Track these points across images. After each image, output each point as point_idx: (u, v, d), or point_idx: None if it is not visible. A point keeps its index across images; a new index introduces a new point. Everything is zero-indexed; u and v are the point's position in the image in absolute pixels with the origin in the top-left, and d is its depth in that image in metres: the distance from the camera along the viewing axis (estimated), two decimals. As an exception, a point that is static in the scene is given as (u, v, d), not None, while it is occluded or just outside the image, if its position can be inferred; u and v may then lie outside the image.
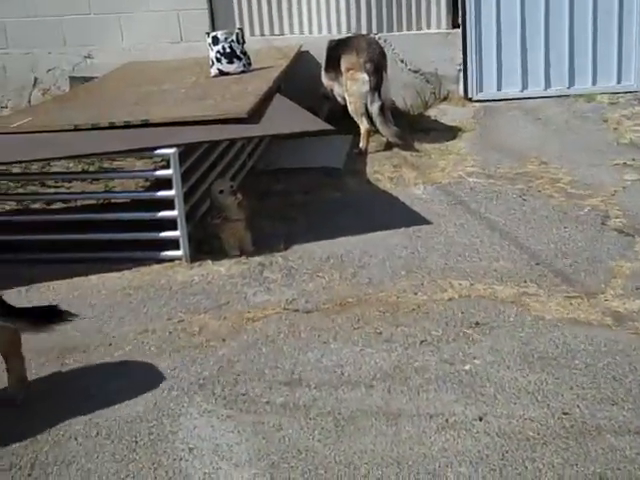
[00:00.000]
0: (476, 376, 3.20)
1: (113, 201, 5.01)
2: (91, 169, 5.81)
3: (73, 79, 6.82)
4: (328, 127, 4.47)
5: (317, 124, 4.49)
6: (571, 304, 3.74)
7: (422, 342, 3.48)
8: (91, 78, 6.72)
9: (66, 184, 5.54)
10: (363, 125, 6.12)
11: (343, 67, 6.23)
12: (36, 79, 7.31)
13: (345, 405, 3.06)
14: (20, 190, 5.51)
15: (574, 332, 3.48)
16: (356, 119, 6.16)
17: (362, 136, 6.11)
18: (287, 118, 4.72)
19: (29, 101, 7.30)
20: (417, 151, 6.02)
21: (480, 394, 3.08)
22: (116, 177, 5.50)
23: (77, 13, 7.13)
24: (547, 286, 3.91)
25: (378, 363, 3.33)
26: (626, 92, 6.90)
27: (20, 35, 7.22)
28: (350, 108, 6.19)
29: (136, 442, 2.87)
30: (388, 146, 6.14)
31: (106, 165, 5.79)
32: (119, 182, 5.52)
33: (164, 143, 4.23)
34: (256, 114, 4.64)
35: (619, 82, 6.95)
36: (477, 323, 3.61)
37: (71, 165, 5.71)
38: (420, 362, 3.33)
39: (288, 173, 5.69)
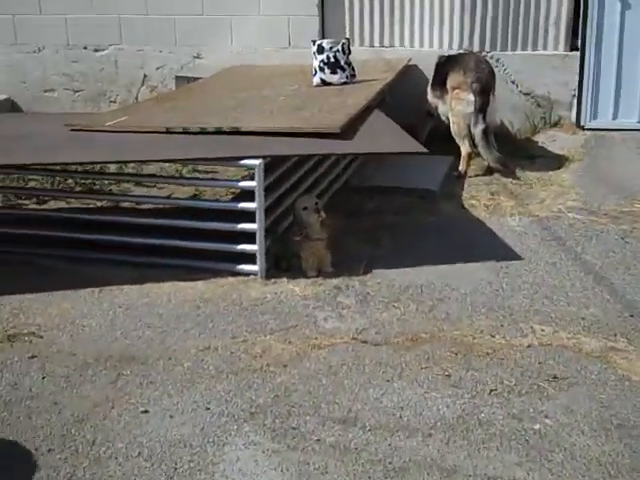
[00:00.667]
0: (545, 438, 2.96)
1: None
2: (185, 172, 5.81)
3: (179, 78, 6.86)
4: (422, 150, 4.28)
5: (411, 146, 4.30)
6: (663, 366, 3.44)
7: (492, 391, 3.26)
8: (197, 78, 6.76)
9: (158, 185, 5.54)
10: (464, 147, 5.90)
11: (449, 85, 6.02)
12: (145, 76, 7.40)
13: (398, 453, 2.87)
14: (113, 188, 5.56)
15: (662, 399, 3.19)
16: (458, 141, 5.94)
17: (462, 159, 5.89)
18: (381, 137, 4.56)
19: (137, 98, 7.40)
20: (518, 179, 5.75)
21: (547, 459, 2.84)
22: (201, 185, 5.45)
23: (189, 13, 7.18)
24: (639, 343, 3.61)
25: (441, 410, 3.14)
26: None
27: (133, 31, 7.32)
28: (453, 128, 5.98)
29: (175, 469, 2.78)
30: (489, 171, 5.89)
31: (201, 169, 5.77)
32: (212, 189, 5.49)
33: (250, 154, 4.13)
34: (350, 130, 4.50)
35: None
36: (555, 377, 3.36)
37: (166, 166, 5.71)
38: (486, 414, 3.11)
39: (382, 192, 5.52)
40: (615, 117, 6.63)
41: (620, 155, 6.16)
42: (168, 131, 4.52)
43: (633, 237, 4.76)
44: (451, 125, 6.00)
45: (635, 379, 3.33)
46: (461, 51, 6.57)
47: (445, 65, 6.17)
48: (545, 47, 6.82)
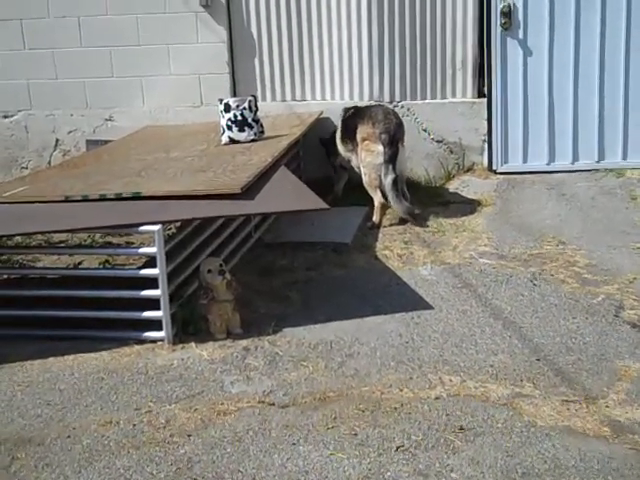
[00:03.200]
0: (450, 493, 2.93)
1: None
2: (97, 239, 5.71)
3: (90, 142, 6.78)
4: (324, 206, 4.28)
5: (313, 203, 4.30)
6: (568, 409, 3.44)
7: (398, 448, 3.21)
8: (108, 141, 6.69)
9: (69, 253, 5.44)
10: (377, 198, 5.94)
11: (359, 137, 6.07)
12: (57, 140, 7.31)
13: (300, 521, 2.81)
14: (21, 258, 5.43)
15: (566, 444, 3.18)
16: (370, 192, 5.98)
17: (375, 210, 5.92)
18: (284, 194, 4.55)
19: (49, 162, 7.29)
20: (427, 227, 5.80)
21: (450, 516, 2.81)
22: (102, 254, 5.36)
23: (99, 76, 7.14)
24: (544, 387, 3.62)
25: (346, 471, 3.08)
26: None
27: (43, 96, 7.24)
28: (364, 180, 6.02)
29: None
30: (402, 221, 5.93)
31: (107, 238, 5.68)
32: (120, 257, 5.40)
33: (149, 219, 4.08)
34: (252, 189, 4.48)
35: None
36: (462, 428, 3.33)
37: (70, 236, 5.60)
38: (392, 472, 3.06)
39: (295, 247, 5.50)
40: (525, 160, 6.77)
41: (531, 198, 6.26)
42: (67, 199, 4.44)
43: (542, 279, 4.81)
44: (363, 176, 6.03)
45: (541, 424, 3.33)
46: (367, 104, 6.62)
47: (354, 117, 6.22)
48: (454, 94, 6.95)
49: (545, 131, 6.69)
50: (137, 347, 4.15)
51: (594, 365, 3.79)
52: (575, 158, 6.68)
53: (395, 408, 3.50)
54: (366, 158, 5.96)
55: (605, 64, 6.53)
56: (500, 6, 6.42)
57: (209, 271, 4.22)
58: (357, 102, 6.95)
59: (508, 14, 6.40)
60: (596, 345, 3.98)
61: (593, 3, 6.44)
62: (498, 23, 6.45)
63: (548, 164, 6.71)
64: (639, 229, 5.52)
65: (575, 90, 6.60)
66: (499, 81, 6.68)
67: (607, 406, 3.45)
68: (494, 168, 6.79)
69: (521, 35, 6.53)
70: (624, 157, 6.64)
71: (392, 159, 5.85)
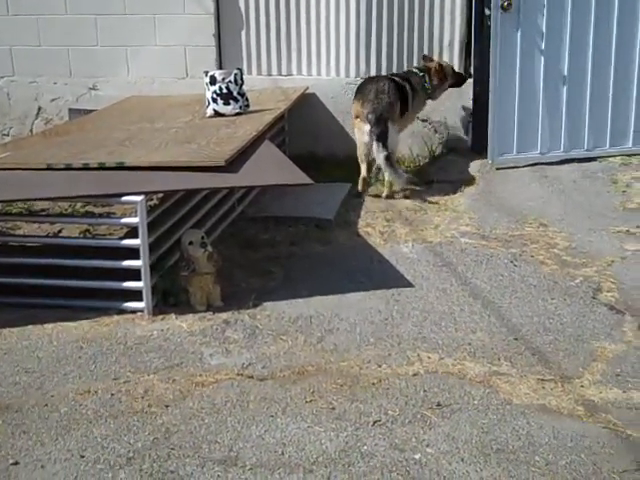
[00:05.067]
0: (425, 467, 2.95)
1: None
2: (70, 211, 5.67)
3: (72, 111, 6.73)
4: (308, 181, 4.28)
5: (296, 177, 4.30)
6: (543, 388, 3.48)
7: (375, 422, 3.24)
8: (92, 110, 6.65)
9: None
10: (362, 171, 6.02)
11: (352, 113, 6.18)
12: (40, 108, 7.25)
13: (277, 492, 2.83)
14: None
15: (540, 422, 3.22)
16: (360, 163, 6.04)
17: (359, 180, 5.97)
18: (268, 169, 4.54)
19: (31, 130, 7.23)
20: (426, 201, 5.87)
21: (424, 490, 2.84)
22: (84, 223, 5.33)
23: (84, 44, 7.07)
24: (521, 365, 3.66)
25: (324, 444, 3.10)
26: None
27: (26, 63, 7.18)
28: (357, 152, 6.06)
29: (42, 523, 2.67)
30: (389, 196, 5.95)
31: (88, 208, 5.65)
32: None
33: (132, 190, 4.06)
34: (236, 162, 4.47)
35: (635, 144, 6.68)
36: (438, 404, 3.37)
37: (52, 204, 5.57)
38: (368, 446, 3.09)
39: (278, 221, 5.50)
40: (519, 150, 6.61)
41: (514, 179, 6.27)
42: (49, 167, 4.41)
43: (522, 260, 4.84)
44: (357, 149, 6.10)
45: (516, 402, 3.37)
46: (372, 76, 6.60)
47: (356, 91, 6.25)
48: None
49: (535, 116, 6.58)
50: (117, 317, 4.15)
51: (571, 345, 3.83)
52: (566, 148, 6.59)
53: (373, 383, 3.53)
54: (356, 134, 6.10)
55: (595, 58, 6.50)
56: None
57: (191, 243, 4.21)
58: (344, 78, 6.96)
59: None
60: (573, 326, 4.02)
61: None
62: (499, 3, 6.31)
63: (542, 154, 6.61)
64: (619, 213, 5.56)
65: (568, 76, 6.54)
66: (498, 63, 6.46)
67: (582, 386, 3.49)
68: (478, 150, 6.72)
69: (521, 18, 6.37)
70: (611, 144, 6.63)
71: (381, 137, 5.86)
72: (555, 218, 5.47)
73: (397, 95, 6.09)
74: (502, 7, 6.24)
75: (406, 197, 5.98)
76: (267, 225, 5.45)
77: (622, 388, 3.45)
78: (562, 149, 6.60)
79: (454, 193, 6.06)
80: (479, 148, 6.69)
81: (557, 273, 4.65)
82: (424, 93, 6.44)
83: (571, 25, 6.41)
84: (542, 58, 6.44)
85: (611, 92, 6.55)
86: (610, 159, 6.56)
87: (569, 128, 6.55)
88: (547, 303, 4.28)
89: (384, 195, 5.98)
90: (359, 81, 6.73)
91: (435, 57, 6.80)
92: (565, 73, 6.50)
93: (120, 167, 4.39)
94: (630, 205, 5.70)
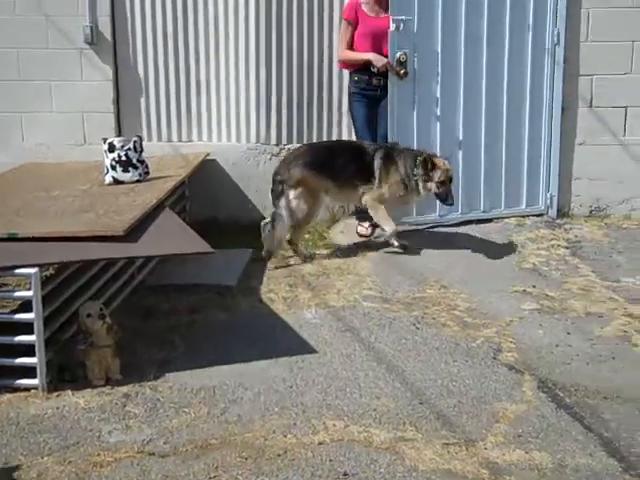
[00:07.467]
0: (332, 542, 2.90)
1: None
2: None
3: (-35, 180, 6.50)
4: (209, 249, 4.24)
5: (197, 246, 4.25)
6: (448, 452, 3.48)
7: (281, 497, 3.18)
8: (-15, 178, 6.44)
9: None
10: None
11: None
12: None
13: None
14: None
15: (446, 487, 3.22)
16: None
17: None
18: (168, 237, 4.48)
19: None
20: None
21: None
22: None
23: (-23, 111, 6.90)
24: (426, 430, 3.66)
25: (228, 522, 3.02)
26: (533, 215, 6.91)
27: None
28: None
29: None
30: (288, 262, 5.96)
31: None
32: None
33: (25, 262, 3.93)
34: (135, 231, 4.39)
35: (528, 205, 6.94)
36: (345, 474, 3.32)
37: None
38: (274, 522, 3.02)
39: (180, 290, 5.40)
40: (419, 213, 6.75)
41: (414, 241, 6.37)
42: (-61, 239, 4.23)
43: (424, 323, 4.89)
44: None
45: (422, 468, 3.36)
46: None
47: None
48: (340, 138, 7.05)
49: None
50: (9, 396, 3.96)
51: (474, 408, 3.86)
52: (464, 210, 6.75)
53: (279, 455, 3.46)
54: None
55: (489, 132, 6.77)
56: (397, 55, 6.44)
57: (88, 315, 4.09)
58: (244, 144, 7.00)
59: (404, 63, 6.43)
60: (476, 388, 4.06)
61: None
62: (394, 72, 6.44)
63: (440, 216, 6.75)
64: (515, 273, 5.72)
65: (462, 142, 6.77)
66: (395, 130, 6.54)
67: (485, 448, 3.51)
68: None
69: (415, 85, 6.53)
70: (506, 206, 6.87)
71: (275, 198, 5.95)
72: (455, 280, 5.57)
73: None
74: (398, 75, 6.41)
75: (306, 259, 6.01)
76: (168, 293, 5.35)
77: (524, 449, 3.49)
78: (460, 211, 6.77)
79: (356, 256, 6.11)
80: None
81: (459, 335, 4.71)
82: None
83: (464, 92, 6.65)
84: (438, 124, 6.64)
85: (504, 156, 6.80)
86: (506, 220, 6.78)
87: (466, 191, 6.74)
88: (450, 365, 4.32)
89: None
90: (259, 147, 6.84)
91: (334, 122, 6.95)
92: (460, 138, 6.71)
93: (13, 238, 4.25)
94: (525, 265, 5.87)
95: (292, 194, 5.93)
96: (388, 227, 6.08)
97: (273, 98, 6.93)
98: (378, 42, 6.38)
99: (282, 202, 5.91)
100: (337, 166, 6.02)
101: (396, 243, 6.12)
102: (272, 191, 6.02)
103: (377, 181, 6.01)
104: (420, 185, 5.96)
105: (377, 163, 6.01)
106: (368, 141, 6.37)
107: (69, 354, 4.15)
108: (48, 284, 4.10)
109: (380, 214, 6.09)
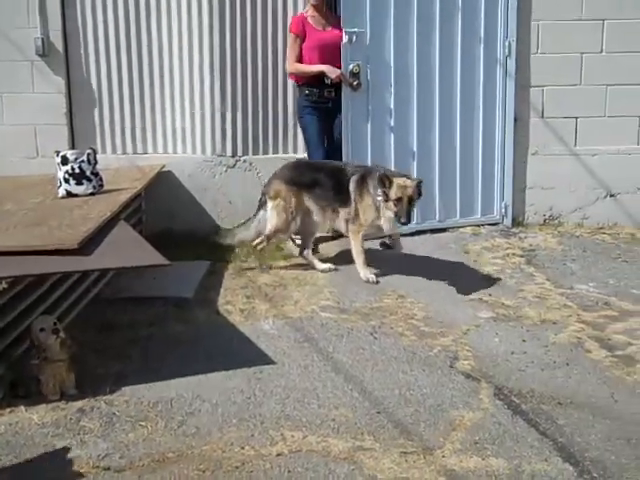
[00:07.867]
0: None
1: None
2: None
3: None
4: (164, 261, 4.20)
5: (153, 258, 4.22)
6: (406, 461, 3.49)
7: (239, 509, 3.16)
8: None
9: None
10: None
11: None
12: None
13: None
14: None
15: (405, 496, 3.23)
16: None
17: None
18: (123, 250, 4.44)
19: None
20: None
21: None
22: None
23: None
24: (384, 439, 3.67)
25: (185, 537, 2.98)
26: (489, 224, 6.99)
27: None
28: None
29: None
30: (245, 273, 5.94)
31: None
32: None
33: (-24, 276, 3.86)
34: (89, 244, 4.35)
35: (483, 214, 7.02)
36: (304, 485, 3.32)
37: None
38: (232, 535, 2.99)
39: (135, 302, 5.35)
40: None
41: (369, 252, 6.38)
42: None
43: (382, 332, 4.90)
44: None
45: (380, 477, 3.36)
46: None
47: None
48: (295, 150, 7.07)
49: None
50: (-40, 413, 3.89)
51: (431, 416, 3.88)
52: (419, 220, 6.72)
53: (236, 467, 3.44)
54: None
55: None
56: (350, 67, 6.48)
57: (42, 330, 4.02)
58: (200, 156, 6.98)
59: (357, 75, 6.47)
60: (433, 396, 4.08)
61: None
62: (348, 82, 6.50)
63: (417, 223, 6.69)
64: (472, 282, 5.76)
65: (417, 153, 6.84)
66: (350, 140, 6.60)
67: (443, 456, 3.53)
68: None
69: (369, 96, 6.58)
70: (462, 215, 6.95)
71: (257, 208, 6.14)
72: (412, 289, 5.61)
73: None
74: (351, 87, 6.45)
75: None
76: (125, 306, 5.29)
77: (481, 456, 3.51)
78: (415, 221, 6.80)
79: (314, 268, 6.10)
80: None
81: (416, 344, 4.73)
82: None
83: (418, 103, 6.72)
84: (392, 135, 6.69)
85: (458, 166, 6.88)
86: (461, 229, 6.85)
87: (421, 201, 6.75)
88: (407, 375, 4.33)
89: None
90: (215, 159, 6.84)
91: (289, 134, 6.97)
92: (415, 149, 6.77)
93: (-36, 252, 4.18)
94: (481, 274, 5.93)
95: (270, 205, 6.00)
96: (362, 272, 5.82)
97: (228, 110, 6.93)
98: (327, 55, 6.43)
99: (260, 213, 6.05)
100: (318, 185, 5.94)
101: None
102: (258, 200, 6.14)
103: (353, 204, 5.83)
104: (382, 206, 5.63)
105: (352, 186, 5.81)
106: (320, 155, 6.42)
107: (22, 369, 4.08)
108: (0, 298, 4.03)
109: (357, 250, 5.87)
